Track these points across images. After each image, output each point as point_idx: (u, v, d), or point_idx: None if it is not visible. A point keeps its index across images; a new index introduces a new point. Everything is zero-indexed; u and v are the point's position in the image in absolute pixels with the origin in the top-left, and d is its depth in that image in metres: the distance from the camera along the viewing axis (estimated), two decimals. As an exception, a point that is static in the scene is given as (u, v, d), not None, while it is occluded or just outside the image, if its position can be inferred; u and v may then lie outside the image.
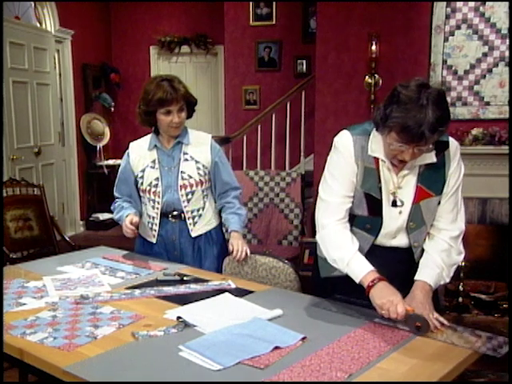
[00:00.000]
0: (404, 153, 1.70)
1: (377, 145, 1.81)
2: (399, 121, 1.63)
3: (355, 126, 1.88)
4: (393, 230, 1.88)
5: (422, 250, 1.91)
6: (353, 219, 1.90)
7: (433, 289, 1.79)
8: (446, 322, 1.73)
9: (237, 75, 6.38)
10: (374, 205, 1.85)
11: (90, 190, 6.88)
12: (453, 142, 1.86)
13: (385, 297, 1.68)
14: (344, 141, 1.86)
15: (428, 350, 1.54)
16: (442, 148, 1.80)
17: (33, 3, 5.91)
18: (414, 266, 1.88)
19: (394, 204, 1.83)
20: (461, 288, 3.79)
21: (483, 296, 3.80)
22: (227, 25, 6.29)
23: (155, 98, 2.38)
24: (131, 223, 2.38)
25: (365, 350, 1.53)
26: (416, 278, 1.81)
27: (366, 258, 1.82)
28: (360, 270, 1.77)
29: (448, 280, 1.84)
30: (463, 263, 3.75)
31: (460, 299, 3.77)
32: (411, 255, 1.92)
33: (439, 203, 1.87)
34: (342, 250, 1.83)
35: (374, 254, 1.88)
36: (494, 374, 3.01)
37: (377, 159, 1.83)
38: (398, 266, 1.89)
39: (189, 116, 2.52)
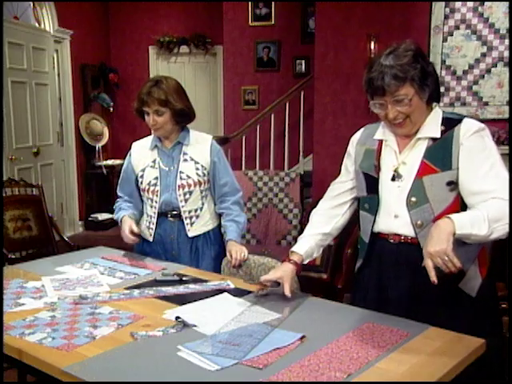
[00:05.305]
0: (387, 112, 1.76)
1: (383, 129, 1.90)
2: (365, 78, 1.77)
3: None
4: (392, 206, 1.83)
5: None
6: (358, 203, 2.01)
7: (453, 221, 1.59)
8: None
9: (236, 75, 6.38)
10: (371, 183, 1.89)
11: (88, 190, 6.87)
12: (470, 123, 1.77)
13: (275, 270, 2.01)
14: (356, 133, 2.04)
15: (427, 349, 1.54)
16: (449, 125, 1.78)
17: (31, 3, 5.91)
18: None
19: (393, 178, 1.84)
20: (459, 288, 3.78)
21: (482, 296, 3.79)
22: (226, 25, 6.29)
23: (137, 98, 2.45)
24: (132, 233, 2.41)
25: (364, 350, 1.53)
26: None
27: (379, 259, 1.90)
28: (294, 247, 2.02)
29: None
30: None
31: (459, 299, 3.76)
32: (420, 252, 1.68)
33: (449, 184, 1.74)
34: (305, 230, 2.07)
35: (383, 250, 1.88)
36: (492, 373, 3.00)
37: (380, 142, 1.90)
38: (407, 269, 1.81)
39: (178, 122, 2.47)
